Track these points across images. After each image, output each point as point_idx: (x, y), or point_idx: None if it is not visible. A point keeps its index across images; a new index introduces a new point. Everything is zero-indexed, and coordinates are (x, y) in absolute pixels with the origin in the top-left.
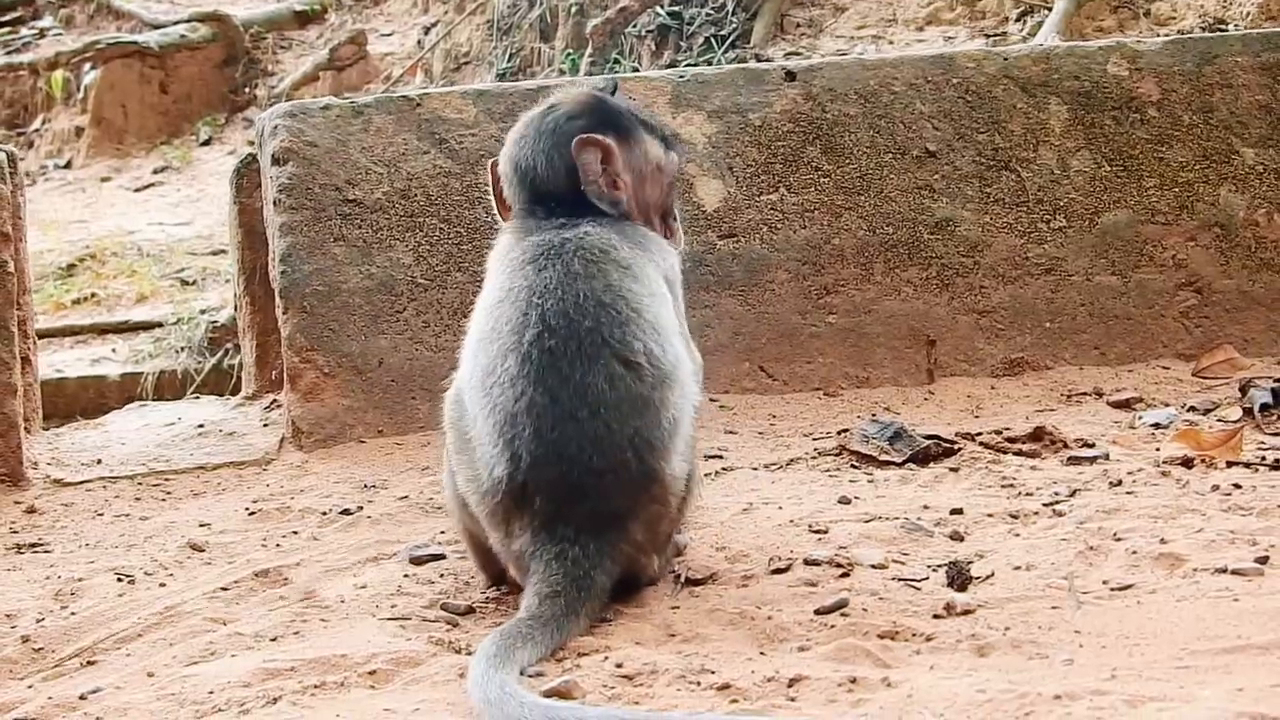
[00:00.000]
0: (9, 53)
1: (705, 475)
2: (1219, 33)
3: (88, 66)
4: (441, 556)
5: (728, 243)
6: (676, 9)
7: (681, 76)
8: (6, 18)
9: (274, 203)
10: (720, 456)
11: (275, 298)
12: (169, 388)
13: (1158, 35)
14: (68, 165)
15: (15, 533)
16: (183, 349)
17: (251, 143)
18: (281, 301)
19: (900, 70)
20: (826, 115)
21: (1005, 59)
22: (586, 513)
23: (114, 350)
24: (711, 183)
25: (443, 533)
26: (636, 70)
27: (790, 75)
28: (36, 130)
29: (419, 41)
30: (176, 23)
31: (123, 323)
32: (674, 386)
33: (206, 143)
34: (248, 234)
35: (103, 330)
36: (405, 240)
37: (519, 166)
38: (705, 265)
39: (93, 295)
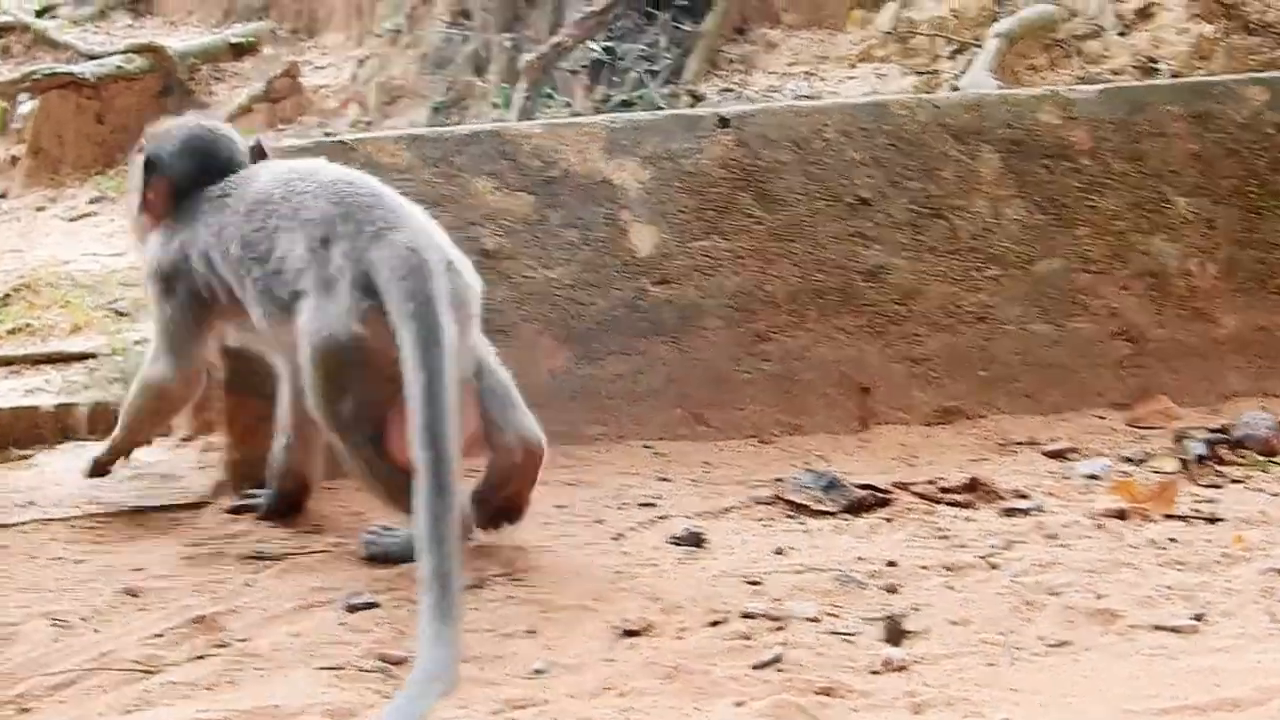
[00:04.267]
0: None
1: (641, 523)
2: (1151, 76)
3: (24, 97)
4: (376, 605)
5: (660, 289)
6: (610, 44)
7: (614, 122)
8: None
9: None
10: (654, 505)
11: None
12: (103, 419)
13: (1088, 72)
14: (3, 195)
15: None
16: (116, 380)
17: None
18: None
19: (832, 117)
20: (759, 162)
21: (937, 106)
22: None
23: (47, 381)
24: (644, 229)
25: (377, 580)
26: (569, 105)
27: (724, 121)
28: None
29: (353, 75)
30: (112, 54)
31: (56, 353)
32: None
33: None
34: None
35: (36, 361)
36: None
37: None
38: (638, 311)
39: (27, 325)
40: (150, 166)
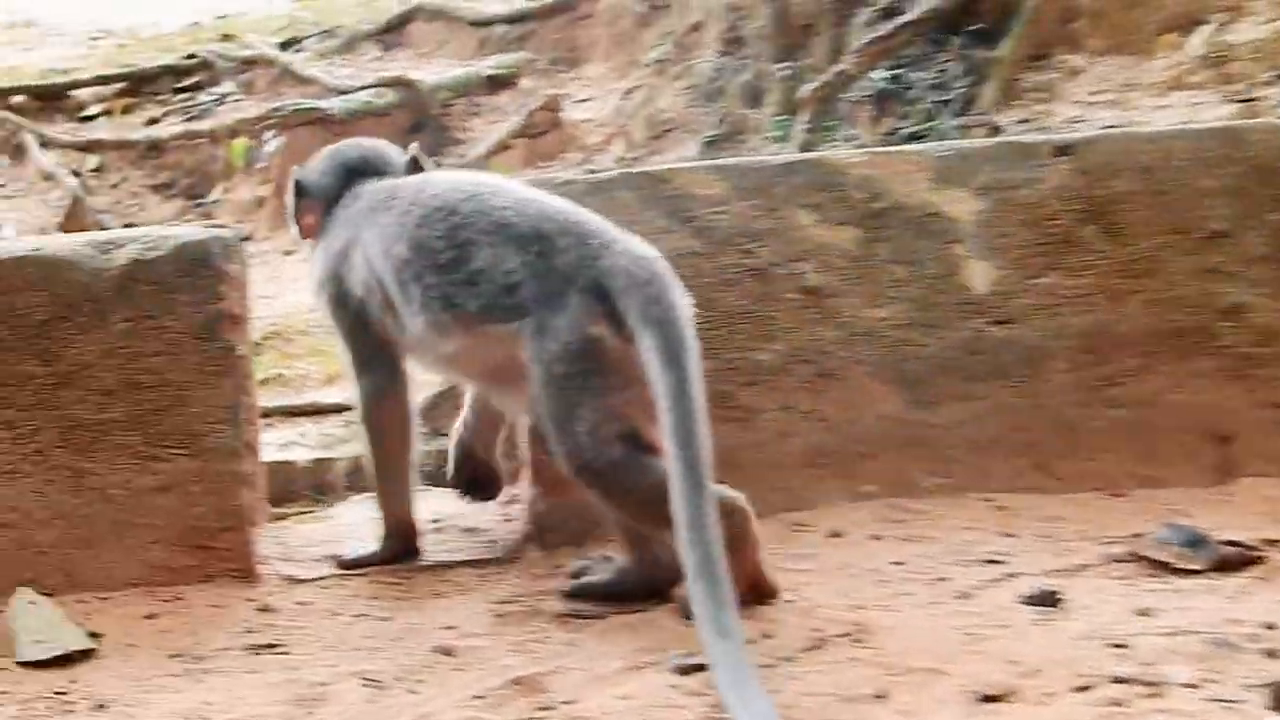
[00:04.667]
0: (188, 119)
1: (988, 581)
2: None
3: (269, 134)
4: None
5: (999, 329)
6: (898, 72)
7: (943, 151)
8: (185, 83)
9: None
10: (1000, 561)
11: None
12: (361, 474)
13: None
14: (248, 238)
15: (251, 633)
16: None
17: None
18: None
19: (1180, 143)
20: (1102, 192)
21: None
22: None
23: (302, 434)
24: (979, 264)
25: None
26: (854, 138)
27: (1063, 150)
28: (216, 201)
29: (618, 108)
30: (362, 88)
31: (310, 405)
32: None
33: None
34: None
35: (291, 413)
36: None
37: None
38: (975, 353)
39: (279, 375)
40: (300, 191)
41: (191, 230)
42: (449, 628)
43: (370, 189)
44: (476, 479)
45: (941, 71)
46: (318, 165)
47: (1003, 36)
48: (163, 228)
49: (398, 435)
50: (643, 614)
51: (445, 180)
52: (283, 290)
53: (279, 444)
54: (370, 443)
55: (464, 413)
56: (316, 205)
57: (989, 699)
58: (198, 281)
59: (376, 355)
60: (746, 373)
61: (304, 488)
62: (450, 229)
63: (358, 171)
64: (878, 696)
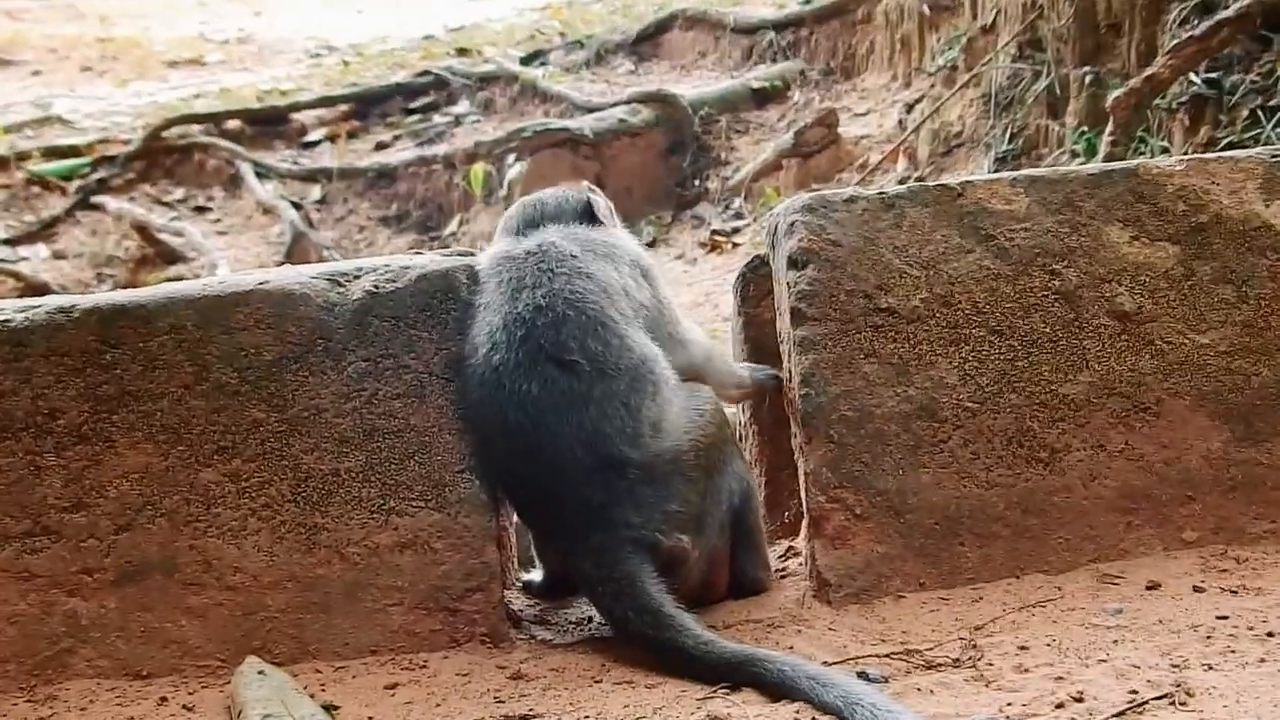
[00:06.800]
0: (420, 144)
1: None
2: None
3: (511, 158)
4: None
5: None
6: (1214, 76)
7: (1273, 157)
8: (417, 104)
9: (792, 313)
10: None
11: (793, 425)
12: None
13: None
14: None
15: (501, 702)
16: None
17: (709, 239)
18: (803, 430)
19: None
20: None
21: None
22: (565, 517)
23: None
24: None
25: (1008, 705)
26: (1166, 150)
27: None
28: (453, 233)
29: (900, 121)
30: (614, 105)
31: None
32: (618, 377)
33: (650, 244)
34: (754, 350)
35: None
36: (949, 356)
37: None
38: None
39: None
40: None
41: (433, 258)
42: (723, 694)
43: None
44: None
45: (1267, 74)
46: None
47: None
48: (402, 256)
49: None
50: (939, 676)
51: None
52: None
53: None
54: None
55: None
56: None
57: None
58: (441, 315)
59: None
60: (1051, 408)
61: None
62: None
63: None
64: None
